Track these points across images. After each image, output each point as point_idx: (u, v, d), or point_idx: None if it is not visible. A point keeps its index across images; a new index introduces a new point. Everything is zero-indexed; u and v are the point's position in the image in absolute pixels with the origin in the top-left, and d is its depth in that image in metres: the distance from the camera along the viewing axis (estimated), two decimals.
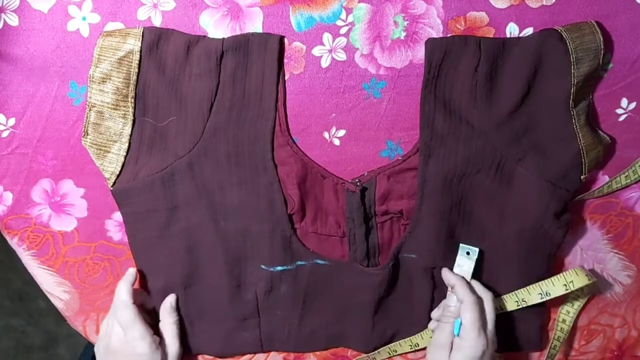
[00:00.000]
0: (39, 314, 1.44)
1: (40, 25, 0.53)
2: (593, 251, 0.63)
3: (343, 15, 0.53)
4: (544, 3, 0.53)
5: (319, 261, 0.58)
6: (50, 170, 0.58)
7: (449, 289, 0.56)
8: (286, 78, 0.55)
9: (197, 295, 0.60)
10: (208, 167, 0.55)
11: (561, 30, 0.51)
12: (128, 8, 0.53)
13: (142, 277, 0.59)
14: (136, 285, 0.59)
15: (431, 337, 0.57)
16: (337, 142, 0.57)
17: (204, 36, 0.53)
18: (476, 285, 0.56)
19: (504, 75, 0.53)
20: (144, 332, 0.55)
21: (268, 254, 0.58)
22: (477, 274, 0.57)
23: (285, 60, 0.54)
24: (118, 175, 0.55)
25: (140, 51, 0.52)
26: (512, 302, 0.58)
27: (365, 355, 0.63)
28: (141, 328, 0.55)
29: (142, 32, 0.52)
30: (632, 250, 0.63)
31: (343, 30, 0.54)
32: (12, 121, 0.56)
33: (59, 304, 0.64)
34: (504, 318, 0.59)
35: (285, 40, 0.54)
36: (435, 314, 0.59)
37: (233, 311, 0.60)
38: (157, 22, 0.53)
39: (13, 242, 0.61)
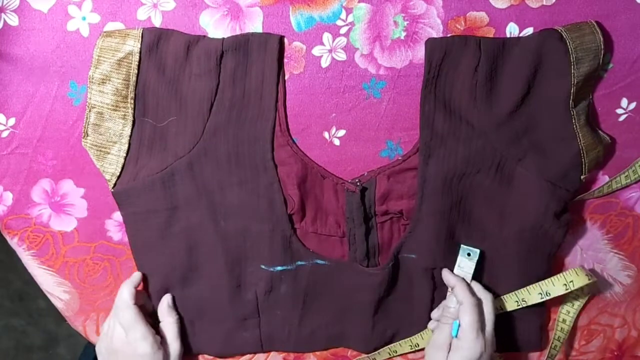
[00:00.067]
0: (39, 314, 1.44)
1: (40, 25, 0.53)
2: (593, 251, 0.63)
3: (343, 15, 0.53)
4: (544, 3, 0.53)
5: (319, 261, 0.58)
6: (50, 170, 0.58)
7: (449, 289, 0.56)
8: (286, 78, 0.55)
9: (197, 295, 0.60)
10: (208, 167, 0.55)
11: (561, 30, 0.51)
12: (128, 8, 0.53)
13: (142, 277, 0.59)
14: (139, 288, 0.59)
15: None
16: (337, 142, 0.57)
17: (204, 36, 0.53)
18: (476, 286, 0.56)
19: (504, 75, 0.53)
20: (145, 333, 0.55)
21: (268, 254, 0.58)
22: (477, 274, 0.56)
23: (285, 60, 0.54)
24: (118, 177, 0.55)
25: (140, 52, 0.52)
26: (512, 302, 0.58)
27: (366, 355, 0.63)
28: (143, 328, 0.55)
29: (142, 33, 0.52)
30: (632, 250, 0.63)
31: (343, 30, 0.54)
32: (12, 121, 0.56)
33: (59, 304, 0.64)
34: (503, 318, 0.59)
35: (285, 40, 0.54)
36: (435, 314, 0.59)
37: (233, 311, 0.60)
38: (157, 22, 0.53)
39: (13, 242, 0.61)
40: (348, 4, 0.53)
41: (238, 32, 0.53)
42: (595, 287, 0.64)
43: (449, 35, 0.53)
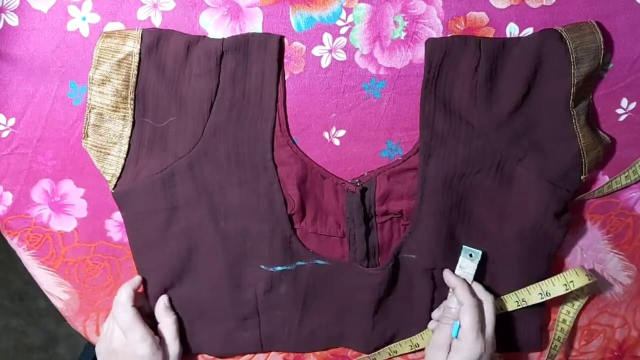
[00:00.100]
0: (39, 314, 1.44)
1: (40, 25, 0.53)
2: (593, 251, 0.63)
3: (343, 15, 0.53)
4: (544, 3, 0.53)
5: (318, 261, 0.58)
6: (50, 170, 0.58)
7: (450, 290, 0.56)
8: (286, 78, 0.55)
9: (197, 295, 0.60)
10: (208, 168, 0.55)
11: (561, 30, 0.51)
12: (128, 8, 0.53)
13: (142, 277, 0.59)
14: (139, 290, 0.59)
15: None
16: (337, 142, 0.57)
17: (204, 36, 0.53)
18: (477, 287, 0.56)
19: (504, 75, 0.53)
20: (144, 334, 0.55)
21: (268, 254, 0.58)
22: (478, 275, 0.56)
23: (285, 60, 0.54)
24: (119, 178, 0.55)
25: (140, 53, 0.52)
26: (512, 302, 0.58)
27: (366, 355, 0.63)
28: (141, 330, 0.55)
29: (141, 34, 0.52)
30: (632, 250, 0.63)
31: (343, 30, 0.54)
32: (12, 121, 0.56)
33: (59, 304, 0.64)
34: (503, 318, 0.59)
35: (285, 40, 0.54)
36: (435, 314, 0.59)
37: (233, 311, 0.60)
38: (157, 22, 0.53)
39: (13, 242, 0.61)
40: (348, 4, 0.53)
41: (238, 32, 0.53)
42: (595, 287, 0.64)
43: (449, 35, 0.53)
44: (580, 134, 0.53)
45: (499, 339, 0.55)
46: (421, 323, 0.60)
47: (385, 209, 0.57)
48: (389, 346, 0.62)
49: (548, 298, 0.56)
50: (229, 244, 0.57)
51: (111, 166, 0.55)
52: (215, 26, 0.53)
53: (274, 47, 0.53)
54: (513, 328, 0.61)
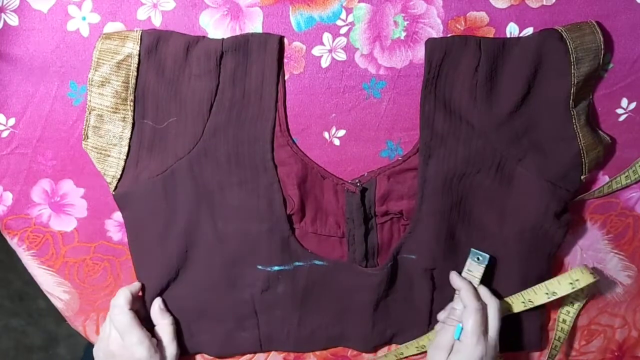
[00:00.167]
0: (39, 314, 1.44)
1: (40, 25, 0.53)
2: (593, 251, 0.63)
3: (343, 15, 0.53)
4: (544, 3, 0.53)
5: (317, 262, 0.58)
6: (50, 170, 0.58)
7: (456, 292, 0.56)
8: (286, 78, 0.55)
9: (196, 296, 0.60)
10: (208, 168, 0.55)
11: (561, 30, 0.51)
12: (128, 8, 0.53)
13: (141, 277, 0.59)
14: (139, 295, 0.59)
15: None
16: (337, 142, 0.57)
17: (204, 37, 0.53)
18: (483, 290, 0.56)
19: (504, 75, 0.53)
20: (141, 337, 0.55)
21: (266, 254, 0.57)
22: (484, 278, 0.56)
23: (285, 60, 0.54)
24: (119, 179, 0.55)
25: (139, 54, 0.52)
26: (518, 303, 0.57)
27: (372, 357, 0.63)
28: (139, 332, 0.55)
29: (141, 36, 0.52)
30: (632, 250, 0.63)
31: (343, 30, 0.54)
32: (12, 121, 0.56)
33: (59, 304, 0.64)
34: (503, 318, 0.58)
35: (285, 40, 0.54)
36: (441, 315, 0.59)
37: (232, 311, 0.60)
38: (157, 22, 0.53)
39: (13, 242, 0.61)
40: (348, 4, 0.53)
41: (238, 32, 0.53)
42: (595, 287, 0.64)
43: (449, 35, 0.53)
44: (580, 134, 0.53)
45: (499, 339, 0.55)
46: (421, 323, 0.60)
47: (385, 209, 0.57)
48: (395, 349, 0.62)
49: (555, 298, 0.56)
50: (228, 244, 0.57)
51: (111, 168, 0.55)
52: (215, 26, 0.53)
53: (274, 47, 0.53)
54: (513, 328, 0.61)
